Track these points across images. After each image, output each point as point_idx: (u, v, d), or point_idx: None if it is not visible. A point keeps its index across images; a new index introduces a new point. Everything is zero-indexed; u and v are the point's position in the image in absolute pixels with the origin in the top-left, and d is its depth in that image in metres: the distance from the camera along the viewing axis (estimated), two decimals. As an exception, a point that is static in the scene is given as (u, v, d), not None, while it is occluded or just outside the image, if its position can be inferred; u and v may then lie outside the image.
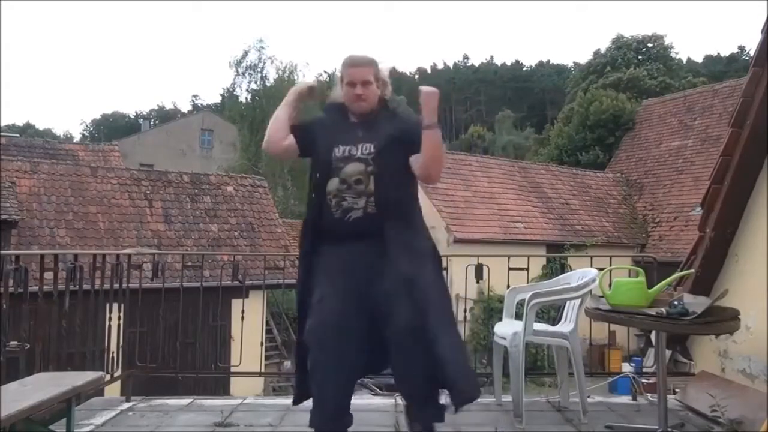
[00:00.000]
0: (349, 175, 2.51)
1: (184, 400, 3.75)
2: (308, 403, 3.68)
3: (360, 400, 3.98)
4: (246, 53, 29.43)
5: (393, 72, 2.74)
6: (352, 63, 2.63)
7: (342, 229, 2.52)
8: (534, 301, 3.20)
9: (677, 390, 3.77)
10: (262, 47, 30.03)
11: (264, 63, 29.65)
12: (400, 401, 3.51)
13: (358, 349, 2.46)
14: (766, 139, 3.29)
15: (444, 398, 2.57)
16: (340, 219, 2.52)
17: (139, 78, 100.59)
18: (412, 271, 2.44)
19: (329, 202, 2.53)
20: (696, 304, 2.74)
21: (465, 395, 2.43)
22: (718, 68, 43.40)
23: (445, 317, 2.50)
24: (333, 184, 2.52)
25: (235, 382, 10.39)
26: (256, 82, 29.57)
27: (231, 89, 30.59)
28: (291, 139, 2.67)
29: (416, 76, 60.18)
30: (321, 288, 2.51)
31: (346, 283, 2.48)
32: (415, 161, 2.52)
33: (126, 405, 3.65)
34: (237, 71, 29.59)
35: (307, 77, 29.86)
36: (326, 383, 2.46)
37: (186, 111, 57.21)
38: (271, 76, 29.71)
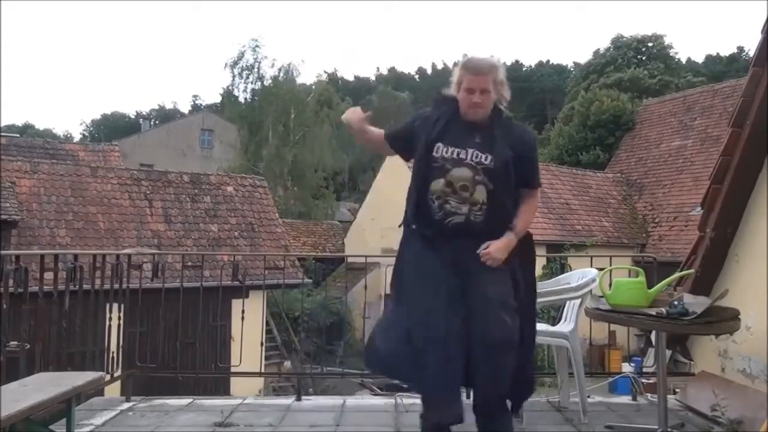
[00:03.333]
0: (456, 179, 2.48)
1: (184, 400, 3.75)
2: (308, 403, 3.69)
3: (360, 400, 3.99)
4: (242, 54, 29.46)
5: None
6: (474, 70, 2.56)
7: (439, 231, 2.52)
8: (534, 301, 3.20)
9: (677, 390, 3.77)
10: (257, 47, 30.08)
11: (260, 62, 29.68)
12: (401, 401, 3.52)
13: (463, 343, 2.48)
14: (766, 139, 3.28)
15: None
16: (440, 221, 2.51)
17: (139, 78, 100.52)
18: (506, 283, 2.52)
19: (431, 202, 2.52)
20: (696, 304, 2.74)
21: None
22: (718, 68, 43.36)
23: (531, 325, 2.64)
24: (438, 184, 2.50)
25: (235, 382, 10.39)
26: (253, 82, 29.59)
27: (230, 89, 30.59)
28: (390, 149, 2.81)
29: (416, 76, 60.13)
30: (425, 286, 2.50)
31: (447, 286, 2.48)
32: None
33: (126, 405, 3.65)
34: (233, 72, 29.62)
35: (302, 75, 29.86)
36: (444, 371, 2.43)
37: (186, 111, 57.20)
38: (269, 75, 29.73)
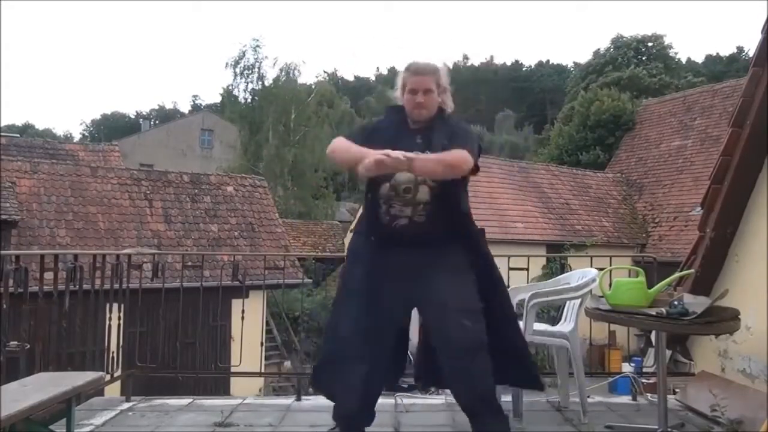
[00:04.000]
0: (399, 183, 2.51)
1: (184, 400, 3.75)
2: (308, 403, 3.69)
3: (360, 400, 3.97)
4: (243, 53, 29.46)
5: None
6: (415, 71, 2.62)
7: (389, 234, 2.55)
8: (534, 301, 3.20)
9: (677, 390, 3.77)
10: (258, 47, 30.09)
11: (261, 62, 29.68)
12: (400, 401, 3.52)
13: (393, 352, 2.59)
14: (766, 139, 3.28)
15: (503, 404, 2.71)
16: (387, 224, 2.55)
17: (139, 78, 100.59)
18: (457, 289, 2.50)
19: (379, 207, 2.56)
20: (696, 304, 2.74)
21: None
22: (718, 68, 43.35)
23: (504, 317, 2.64)
24: (384, 189, 2.54)
25: (235, 382, 10.38)
26: (253, 82, 29.60)
27: (230, 89, 30.59)
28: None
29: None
30: (365, 288, 2.54)
31: (391, 288, 2.53)
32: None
33: (126, 405, 3.65)
34: (234, 71, 29.63)
35: (303, 75, 29.87)
36: (357, 381, 2.53)
37: (186, 111, 57.21)
38: (270, 76, 29.74)
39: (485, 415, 2.52)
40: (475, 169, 2.53)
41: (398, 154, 2.32)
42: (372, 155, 2.35)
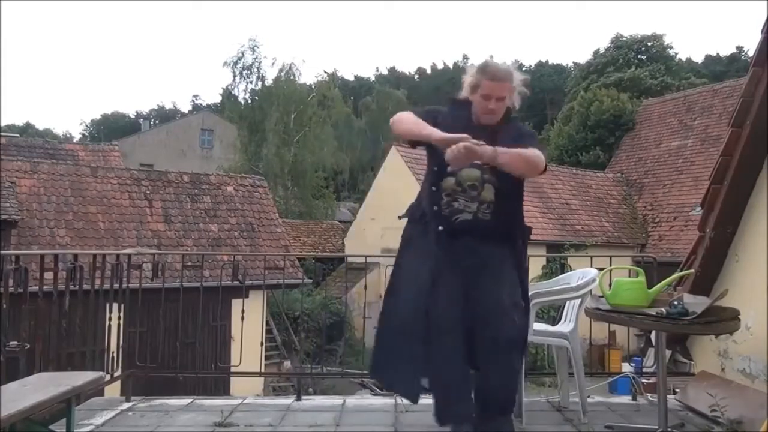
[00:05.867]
0: (465, 179, 2.54)
1: (184, 400, 3.75)
2: (308, 403, 3.69)
3: (360, 400, 3.98)
4: (243, 53, 29.48)
5: (526, 82, 2.72)
6: (492, 77, 2.57)
7: (446, 227, 2.56)
8: (534, 301, 3.20)
9: (677, 390, 3.76)
10: (256, 47, 30.09)
11: (260, 62, 29.69)
12: (401, 401, 3.52)
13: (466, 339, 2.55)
14: (766, 139, 3.28)
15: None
16: (447, 218, 2.57)
17: (139, 78, 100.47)
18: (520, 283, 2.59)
19: (440, 199, 2.58)
20: (696, 304, 2.74)
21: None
22: (718, 68, 43.35)
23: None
24: (448, 182, 2.56)
25: (235, 382, 10.39)
26: (253, 82, 29.61)
27: (230, 89, 30.60)
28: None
29: (416, 77, 60.11)
30: (425, 275, 2.55)
31: (449, 278, 2.54)
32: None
33: (126, 405, 3.65)
34: (234, 71, 29.64)
35: (306, 77, 29.88)
36: (453, 371, 2.53)
37: (186, 111, 57.18)
38: (271, 76, 29.75)
39: (500, 412, 2.54)
40: (544, 170, 2.57)
41: (485, 146, 2.35)
42: (453, 140, 2.34)
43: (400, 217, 2.75)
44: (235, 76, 29.78)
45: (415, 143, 2.65)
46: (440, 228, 2.57)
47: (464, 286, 2.55)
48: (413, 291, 2.55)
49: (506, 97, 2.59)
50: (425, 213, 2.62)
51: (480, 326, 2.52)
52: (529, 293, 3.23)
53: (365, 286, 5.37)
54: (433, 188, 2.60)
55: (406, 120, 2.62)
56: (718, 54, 48.39)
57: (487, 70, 2.59)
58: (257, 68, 29.62)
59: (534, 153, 2.49)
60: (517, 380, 2.54)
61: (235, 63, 29.65)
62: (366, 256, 5.31)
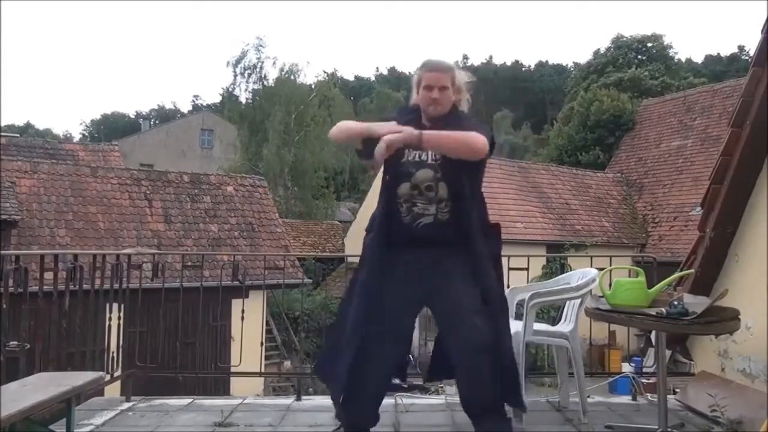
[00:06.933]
0: (421, 181, 2.53)
1: (184, 400, 3.75)
2: (308, 403, 3.69)
3: (360, 400, 3.97)
4: (245, 53, 29.48)
5: (469, 86, 2.73)
6: (431, 67, 2.63)
7: (410, 234, 2.55)
8: (534, 301, 3.20)
9: (677, 390, 3.76)
10: (261, 46, 30.10)
11: (263, 62, 29.70)
12: (401, 401, 3.52)
13: (403, 353, 2.62)
14: (766, 139, 3.28)
15: (509, 410, 2.71)
16: (408, 224, 2.55)
17: (139, 78, 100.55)
18: (482, 285, 2.52)
19: (399, 207, 2.56)
20: (696, 304, 2.74)
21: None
22: (718, 68, 43.38)
23: (507, 328, 2.62)
24: (404, 188, 2.55)
25: (235, 382, 10.39)
26: (255, 82, 29.60)
27: (231, 89, 30.59)
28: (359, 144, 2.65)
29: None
30: (380, 290, 2.55)
31: (408, 291, 2.56)
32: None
33: (126, 405, 3.65)
34: (235, 71, 29.63)
35: (308, 77, 29.85)
36: (370, 384, 2.57)
37: (186, 111, 57.18)
38: (271, 75, 29.74)
39: (489, 416, 2.53)
40: (491, 149, 2.51)
41: (407, 128, 2.35)
42: (394, 129, 2.36)
43: (367, 231, 2.74)
44: (236, 76, 29.79)
45: (365, 154, 2.60)
46: (401, 236, 2.57)
47: (419, 294, 2.57)
48: (365, 302, 2.55)
49: (448, 87, 2.59)
50: (382, 223, 2.61)
51: (446, 334, 2.57)
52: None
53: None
54: (391, 197, 2.59)
55: (342, 128, 2.61)
56: (718, 54, 48.47)
57: (425, 64, 2.65)
58: (260, 68, 29.63)
59: (468, 133, 2.45)
60: (490, 384, 2.46)
61: (237, 62, 29.66)
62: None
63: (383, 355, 2.56)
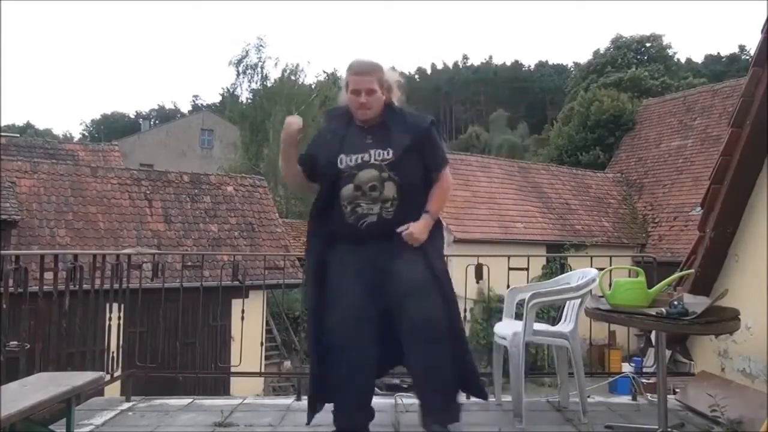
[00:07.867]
0: (364, 181, 2.52)
1: (184, 400, 3.75)
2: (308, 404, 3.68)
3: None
4: (247, 52, 29.47)
5: (400, 84, 2.72)
6: (356, 71, 2.60)
7: (354, 234, 2.56)
8: (534, 301, 3.20)
9: (677, 390, 3.76)
10: (262, 46, 30.08)
11: (264, 62, 29.68)
12: (400, 401, 3.52)
13: (376, 345, 2.55)
14: (766, 139, 3.28)
15: (461, 397, 2.68)
16: (353, 225, 2.55)
17: (139, 78, 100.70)
18: (428, 270, 2.53)
19: (343, 209, 2.56)
20: (696, 304, 2.74)
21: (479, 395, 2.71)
22: (718, 68, 43.42)
23: (458, 317, 2.62)
24: (347, 190, 2.54)
25: (235, 382, 10.39)
26: (256, 82, 29.59)
27: (231, 89, 30.58)
28: (302, 176, 2.73)
29: (416, 76, 60.11)
30: (337, 289, 2.56)
31: (359, 284, 2.54)
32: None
33: (126, 405, 3.65)
34: (237, 70, 29.62)
35: (308, 77, 29.81)
36: (352, 378, 2.54)
37: (186, 111, 57.24)
38: (273, 75, 29.73)
39: (438, 405, 2.52)
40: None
41: (419, 225, 2.53)
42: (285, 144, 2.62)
43: (311, 215, 2.79)
44: (238, 75, 29.78)
45: (309, 177, 2.70)
46: (344, 234, 2.59)
47: (374, 287, 2.54)
48: (333, 308, 2.56)
49: (376, 90, 2.56)
50: (323, 221, 2.64)
51: (396, 320, 2.50)
52: (528, 293, 3.23)
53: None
54: (325, 201, 2.61)
55: (286, 179, 2.83)
56: (718, 54, 48.49)
57: (351, 66, 2.62)
58: (261, 68, 29.61)
59: (441, 184, 2.66)
60: (441, 369, 2.45)
61: (239, 62, 29.64)
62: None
63: (356, 344, 2.51)
